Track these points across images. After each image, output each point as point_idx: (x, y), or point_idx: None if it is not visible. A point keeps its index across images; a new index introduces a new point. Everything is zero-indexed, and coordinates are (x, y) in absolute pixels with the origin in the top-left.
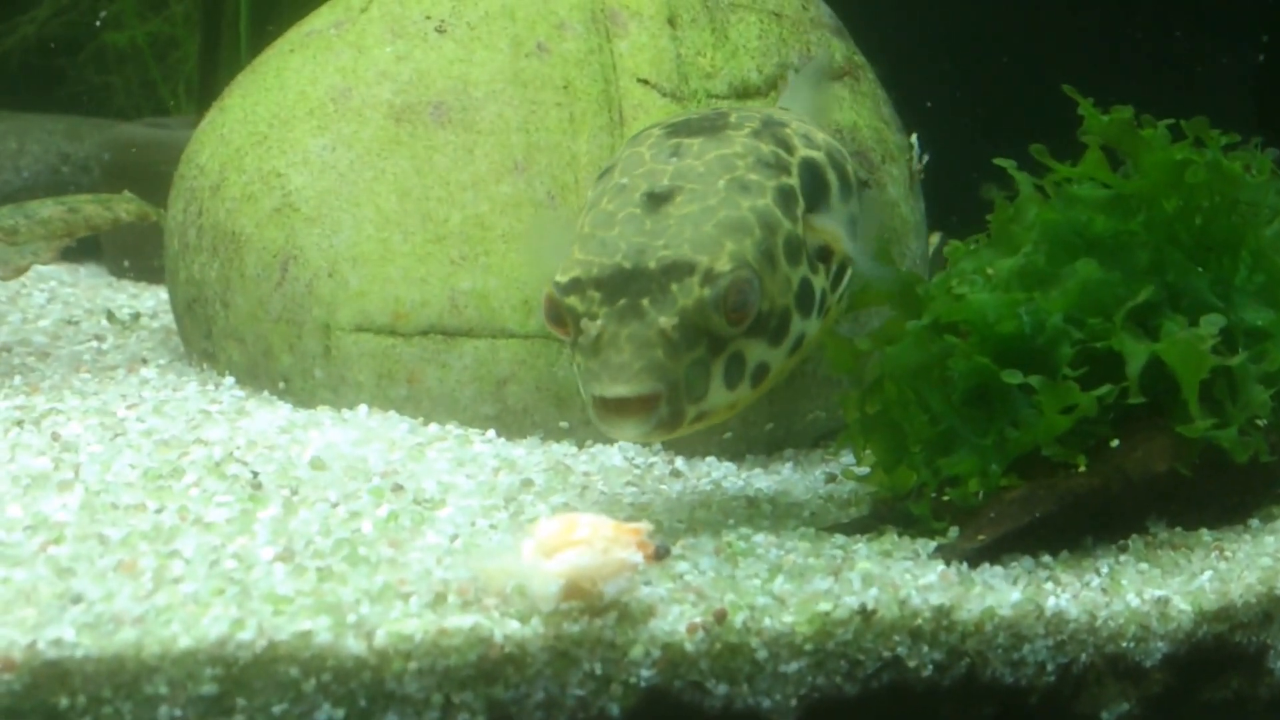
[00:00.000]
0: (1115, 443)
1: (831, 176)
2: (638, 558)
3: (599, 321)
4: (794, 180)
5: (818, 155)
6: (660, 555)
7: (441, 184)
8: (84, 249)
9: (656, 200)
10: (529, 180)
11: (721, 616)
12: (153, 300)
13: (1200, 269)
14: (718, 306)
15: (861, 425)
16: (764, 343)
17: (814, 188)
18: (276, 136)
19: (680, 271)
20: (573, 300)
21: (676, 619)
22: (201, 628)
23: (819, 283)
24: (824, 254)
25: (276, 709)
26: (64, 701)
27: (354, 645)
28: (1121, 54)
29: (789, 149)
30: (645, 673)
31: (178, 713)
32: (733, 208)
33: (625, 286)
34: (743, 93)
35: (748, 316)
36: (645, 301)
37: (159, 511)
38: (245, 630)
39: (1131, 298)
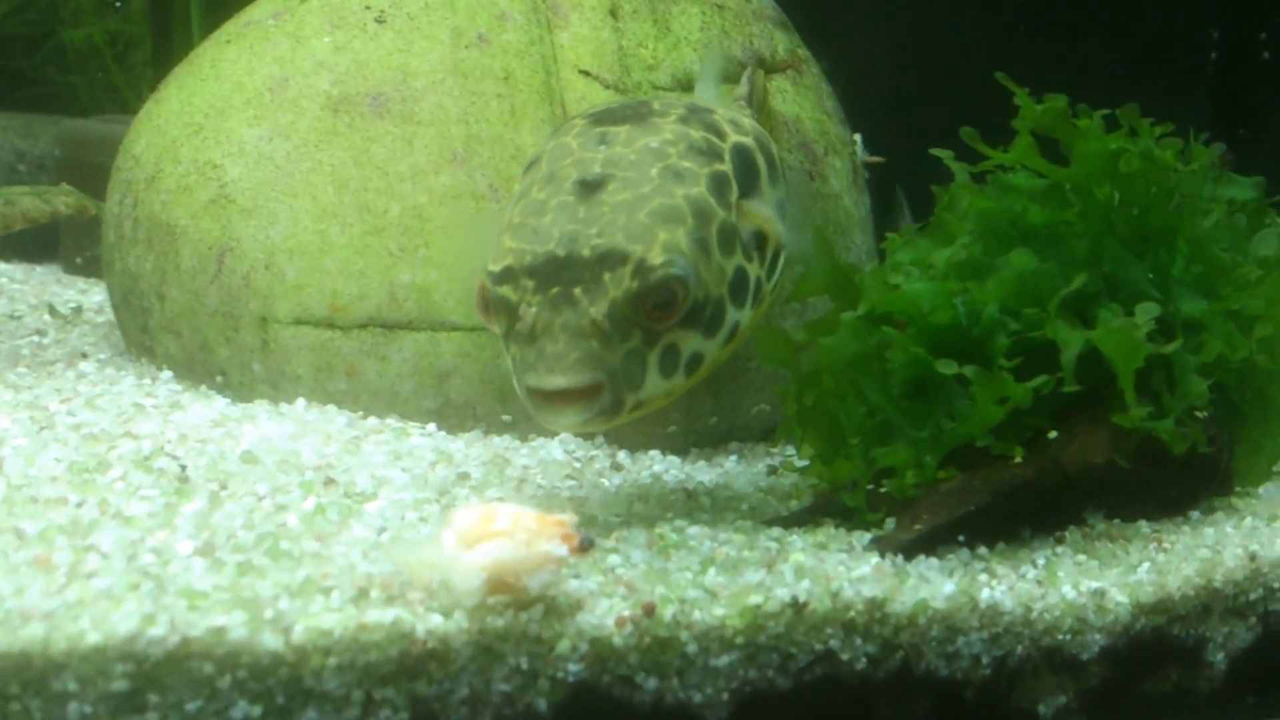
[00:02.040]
0: (1054, 434)
1: (761, 162)
2: (562, 550)
3: (533, 310)
4: (727, 167)
5: (748, 141)
6: (585, 547)
7: (380, 175)
8: (42, 247)
9: (589, 188)
10: (469, 172)
11: (651, 610)
12: (100, 295)
13: (1137, 259)
14: (651, 297)
15: (799, 417)
16: (698, 333)
17: (746, 173)
18: (212, 127)
19: (613, 261)
20: (505, 290)
21: (605, 612)
22: (112, 623)
23: (754, 270)
24: (759, 240)
25: (190, 706)
26: None
27: (271, 641)
28: (1075, 51)
29: (720, 135)
30: (573, 667)
31: (88, 709)
32: (666, 195)
33: (558, 274)
34: (686, 84)
35: (676, 311)
36: (578, 290)
37: (79, 505)
38: (157, 626)
39: (1067, 287)
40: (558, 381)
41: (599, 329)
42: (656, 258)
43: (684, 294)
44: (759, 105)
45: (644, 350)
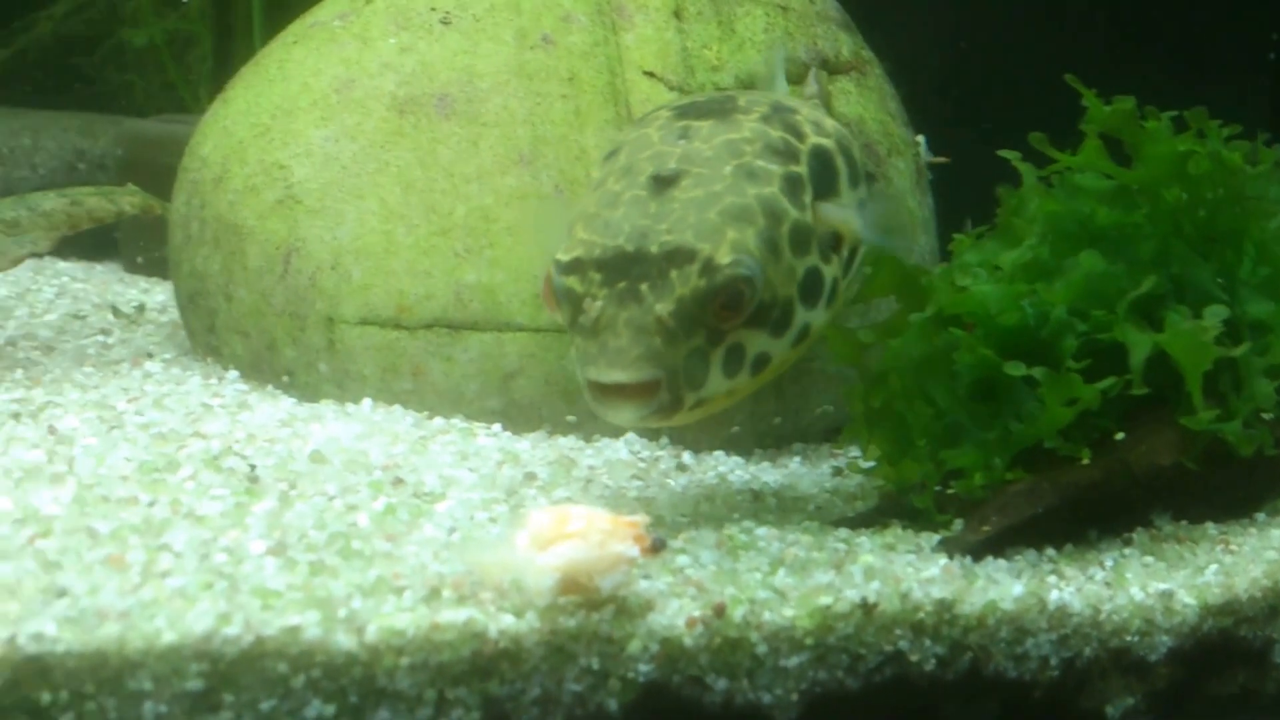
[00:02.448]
0: (1120, 436)
1: (841, 164)
2: (634, 551)
3: (598, 303)
4: (802, 168)
5: (827, 143)
6: (657, 548)
7: (446, 176)
8: (101, 245)
9: (662, 183)
10: (535, 173)
11: (721, 610)
12: (163, 295)
13: (1204, 261)
14: (717, 297)
15: (866, 418)
16: (765, 333)
17: (823, 175)
18: (279, 128)
19: (681, 259)
20: (572, 281)
21: (676, 613)
22: (187, 622)
23: (829, 272)
24: (834, 241)
25: (265, 705)
26: (46, 697)
27: (344, 640)
28: (1134, 50)
29: (799, 135)
30: (644, 668)
31: (163, 709)
32: (738, 194)
33: (626, 269)
34: (750, 86)
35: (742, 311)
36: (644, 286)
37: (151, 505)
38: (232, 625)
39: (1135, 289)
40: (617, 376)
41: (663, 326)
42: (724, 257)
43: (750, 294)
44: (825, 105)
45: (708, 349)
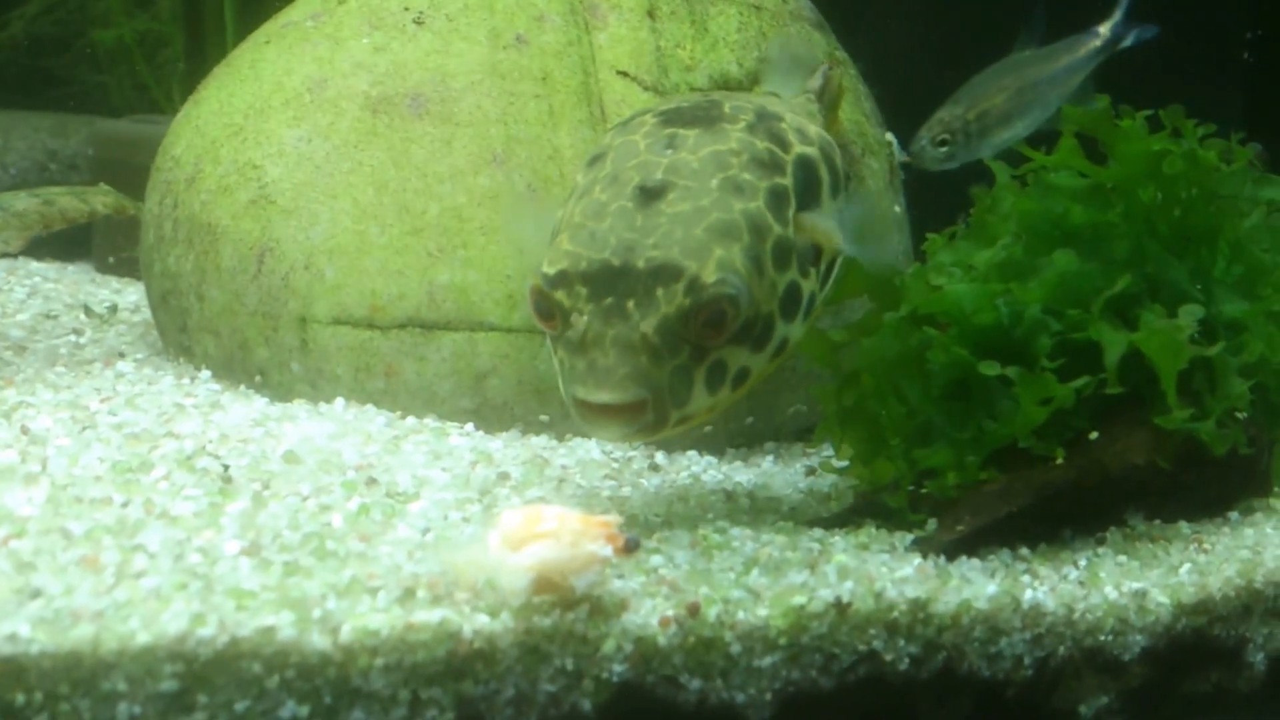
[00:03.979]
0: (1095, 435)
1: (824, 172)
2: (607, 550)
3: (585, 319)
4: (787, 180)
5: (811, 151)
6: (631, 548)
7: (419, 176)
8: (74, 246)
9: (649, 195)
10: (508, 173)
11: (695, 610)
12: (135, 295)
13: (1179, 260)
14: (703, 316)
15: (839, 417)
16: (747, 349)
17: (807, 186)
18: (252, 128)
19: (667, 276)
20: (560, 295)
21: (649, 613)
22: (161, 623)
23: (807, 286)
24: (814, 253)
25: (239, 706)
26: (20, 698)
27: (319, 641)
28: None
29: (784, 146)
30: (618, 668)
31: (137, 709)
32: (724, 210)
33: (612, 285)
34: (723, 85)
35: (726, 329)
36: (631, 303)
37: (125, 505)
38: (206, 626)
39: (1110, 288)
40: (605, 396)
41: (649, 344)
42: (710, 275)
43: (735, 313)
44: (830, 103)
45: (692, 366)
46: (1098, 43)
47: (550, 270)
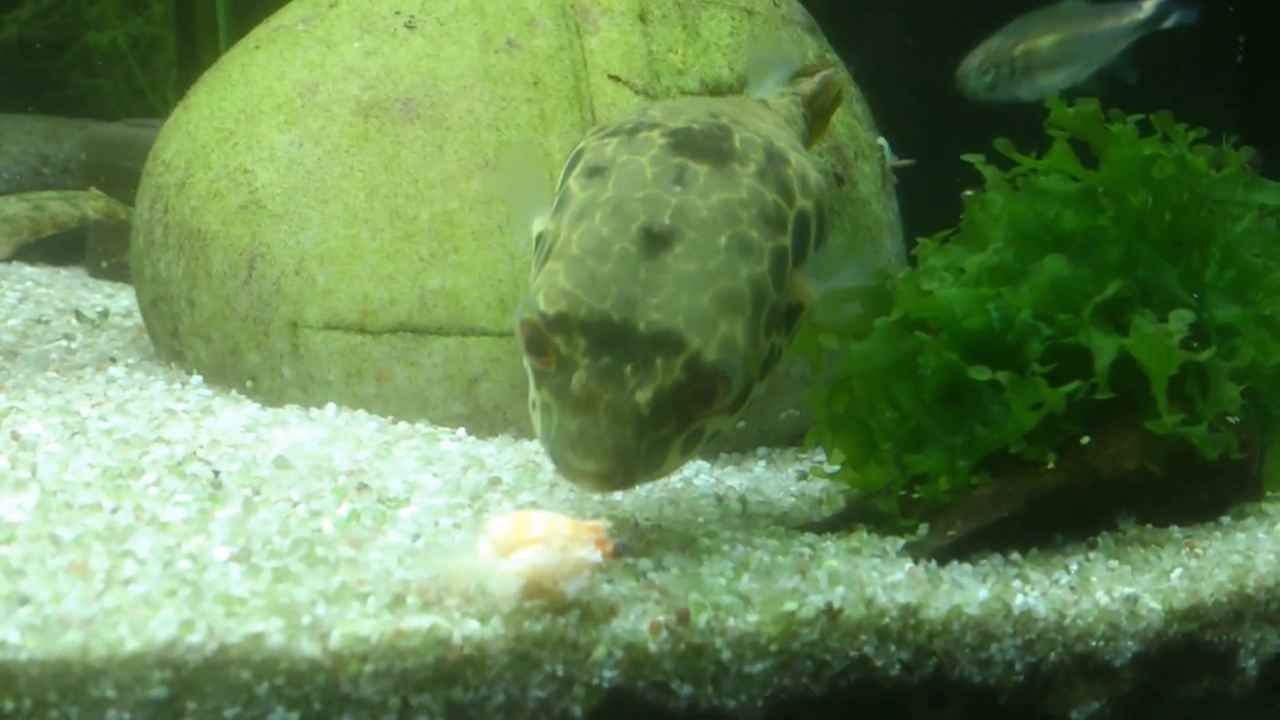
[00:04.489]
0: (1086, 440)
1: (814, 228)
2: (597, 556)
3: (581, 374)
4: (788, 240)
5: (809, 206)
6: (620, 553)
7: (410, 180)
8: (67, 250)
9: (655, 242)
10: (499, 178)
11: (685, 616)
12: (127, 300)
13: (1170, 265)
14: (699, 395)
15: (831, 422)
16: (725, 415)
17: (801, 242)
18: (243, 132)
19: (669, 346)
20: (558, 340)
21: (640, 618)
22: (150, 630)
23: (781, 342)
24: (793, 312)
25: (228, 713)
26: (9, 705)
27: (308, 647)
28: None
29: (789, 198)
30: (608, 673)
31: (126, 716)
32: (732, 276)
33: (611, 344)
34: (715, 90)
35: (716, 406)
36: (628, 369)
37: (114, 511)
38: (195, 633)
39: (1100, 293)
40: (588, 467)
41: (639, 415)
42: (711, 354)
43: (726, 391)
44: (822, 110)
45: (672, 436)
46: (1141, 15)
47: (549, 311)
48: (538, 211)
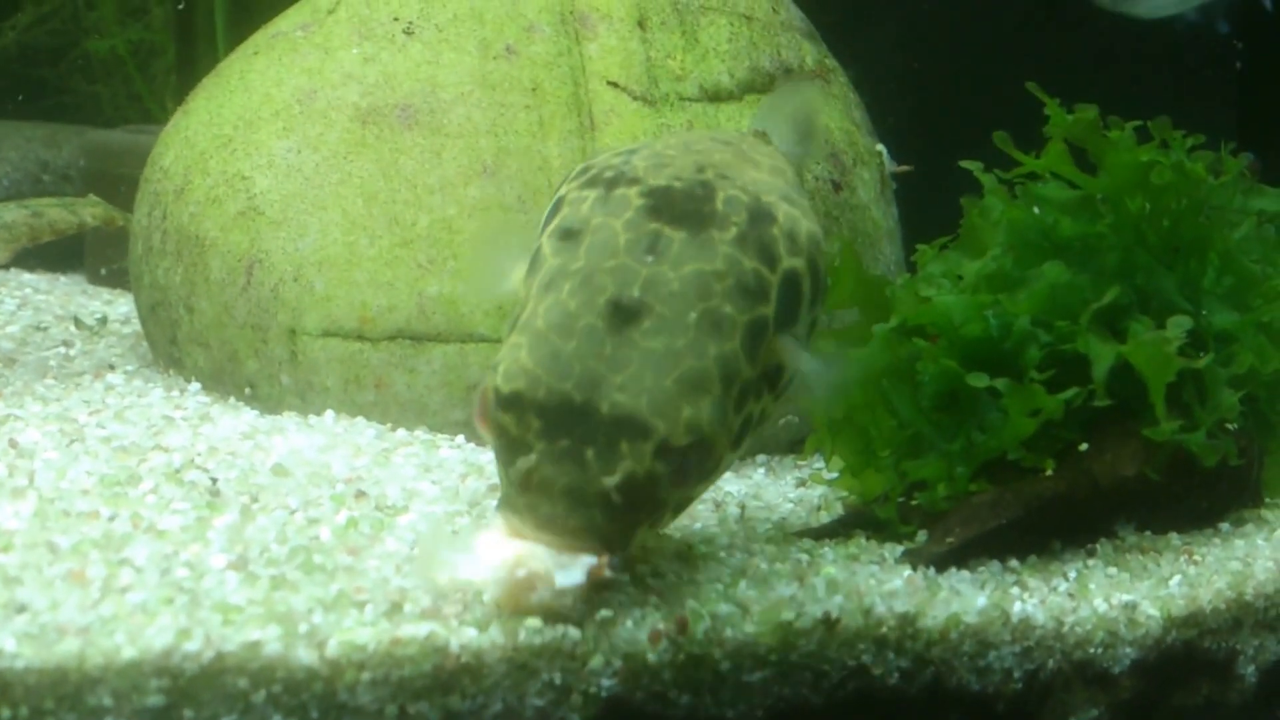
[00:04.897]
0: (1084, 447)
1: (806, 286)
2: (592, 560)
3: (533, 457)
4: (770, 309)
5: (799, 265)
6: (613, 568)
7: (409, 187)
8: (66, 257)
9: (622, 315)
10: (498, 184)
11: (683, 625)
12: (126, 306)
13: (1168, 271)
14: (670, 480)
15: (829, 429)
16: (694, 486)
17: (788, 306)
18: (241, 139)
19: (633, 431)
20: (508, 420)
21: (637, 627)
22: (147, 638)
23: (758, 408)
24: (774, 374)
25: None
26: (6, 713)
27: (305, 655)
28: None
29: (772, 263)
30: (606, 683)
31: None
32: (698, 356)
33: (569, 426)
34: (714, 95)
35: (688, 487)
36: (590, 453)
37: (112, 519)
38: (192, 641)
39: (1098, 300)
40: (550, 541)
41: (608, 501)
42: (681, 439)
43: (699, 471)
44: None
45: (645, 519)
46: None
47: (505, 388)
48: (518, 269)
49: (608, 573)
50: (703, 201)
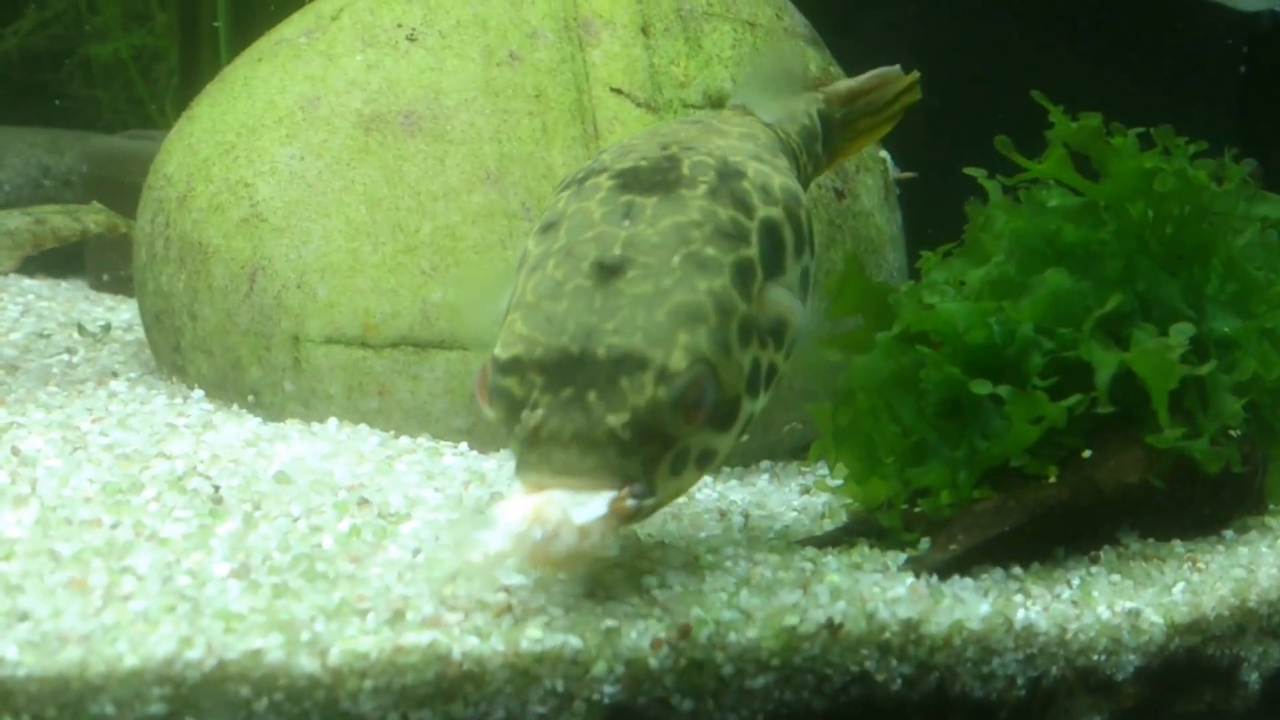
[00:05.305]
0: (1088, 454)
1: (788, 234)
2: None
3: (539, 412)
4: (753, 251)
5: (775, 213)
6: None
7: (412, 194)
8: (68, 263)
9: (607, 272)
10: (502, 191)
11: (686, 631)
12: (129, 313)
13: (1171, 278)
14: (675, 408)
15: (833, 436)
16: (713, 432)
17: (772, 253)
18: (244, 146)
19: (631, 366)
20: (510, 382)
21: (641, 634)
22: (149, 646)
23: (768, 357)
24: (778, 327)
25: None
26: None
27: (307, 663)
28: (1101, 66)
29: (748, 210)
30: (609, 689)
31: None
32: (688, 291)
33: (570, 375)
34: (717, 102)
35: (700, 419)
36: (592, 395)
37: (114, 527)
38: (194, 649)
39: (1101, 307)
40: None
41: (616, 438)
42: (679, 363)
43: (707, 401)
44: (867, 109)
45: (659, 455)
46: None
47: (503, 355)
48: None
49: (631, 502)
50: (668, 171)
